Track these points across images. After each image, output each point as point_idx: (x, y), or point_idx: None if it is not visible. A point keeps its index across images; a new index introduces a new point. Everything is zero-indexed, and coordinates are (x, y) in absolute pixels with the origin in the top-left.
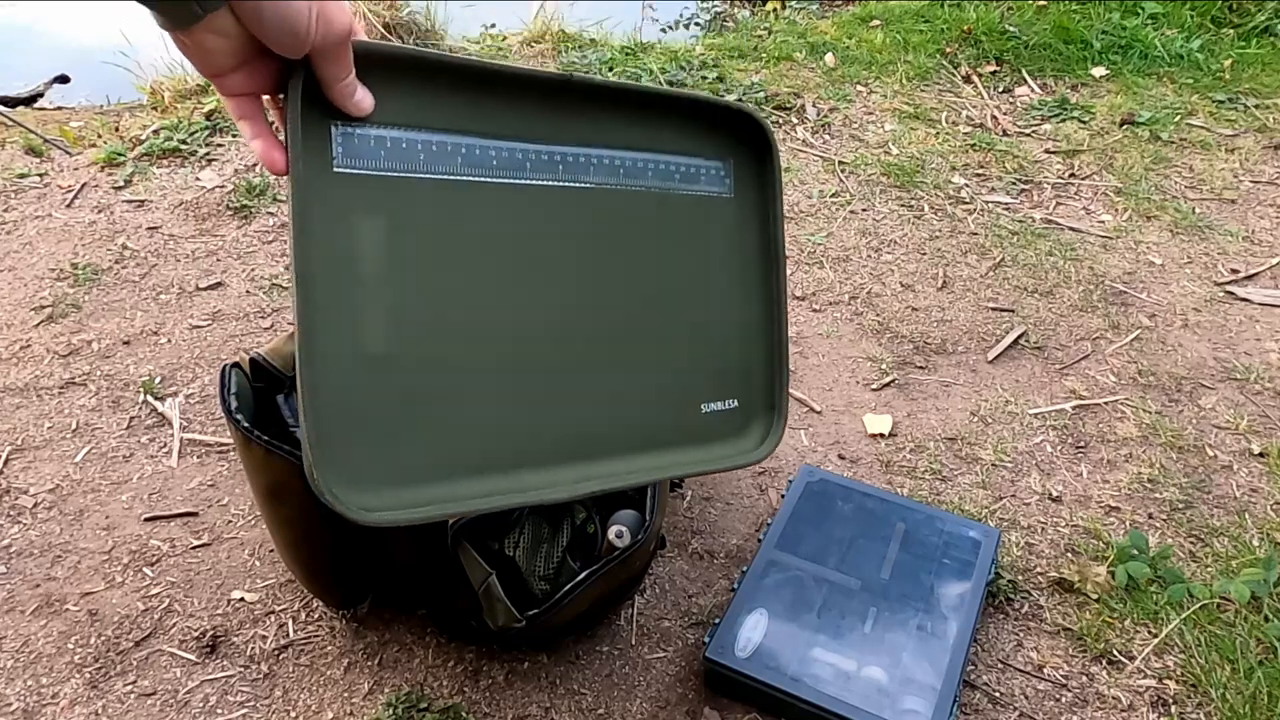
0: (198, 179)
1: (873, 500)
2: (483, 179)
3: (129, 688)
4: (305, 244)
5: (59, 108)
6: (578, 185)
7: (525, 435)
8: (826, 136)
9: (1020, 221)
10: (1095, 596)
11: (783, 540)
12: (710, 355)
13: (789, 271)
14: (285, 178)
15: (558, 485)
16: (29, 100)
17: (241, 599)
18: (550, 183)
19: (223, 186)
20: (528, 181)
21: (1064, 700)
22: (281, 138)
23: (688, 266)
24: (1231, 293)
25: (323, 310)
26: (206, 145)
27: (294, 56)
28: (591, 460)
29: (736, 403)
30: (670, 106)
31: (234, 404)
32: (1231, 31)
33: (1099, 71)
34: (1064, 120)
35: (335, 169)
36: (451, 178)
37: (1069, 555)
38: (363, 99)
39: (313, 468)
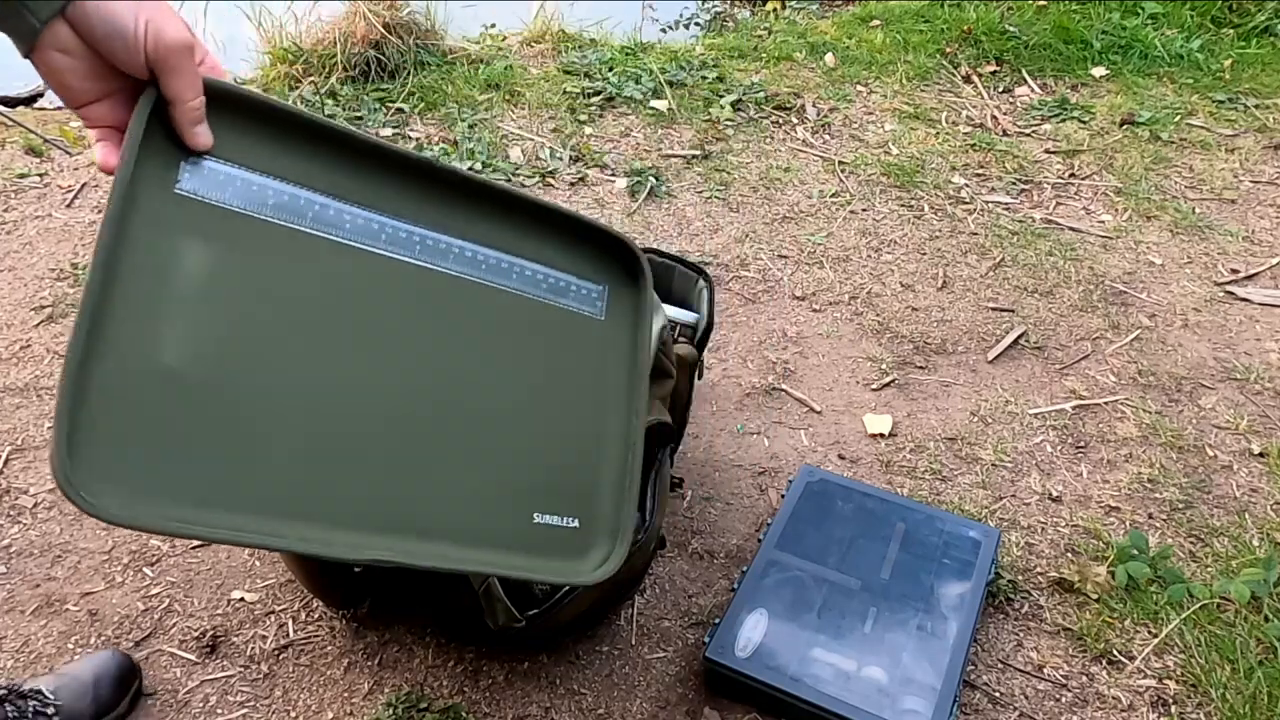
0: None
1: (873, 500)
2: (330, 237)
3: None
4: (119, 245)
5: (59, 108)
6: (433, 268)
7: (320, 491)
8: (826, 136)
9: (1020, 221)
10: (1095, 596)
11: (783, 540)
12: (552, 469)
13: (790, 272)
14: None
15: (335, 545)
16: (29, 100)
17: (241, 599)
18: (404, 258)
19: None
20: (379, 251)
21: (1064, 700)
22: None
23: (540, 377)
24: (1231, 293)
25: (123, 308)
26: None
27: (133, 70)
28: (394, 534)
29: (577, 522)
30: (543, 218)
31: None
32: (1231, 31)
33: (1099, 71)
34: (1064, 120)
35: (176, 189)
36: (298, 228)
37: (1069, 555)
38: (202, 133)
39: (62, 454)
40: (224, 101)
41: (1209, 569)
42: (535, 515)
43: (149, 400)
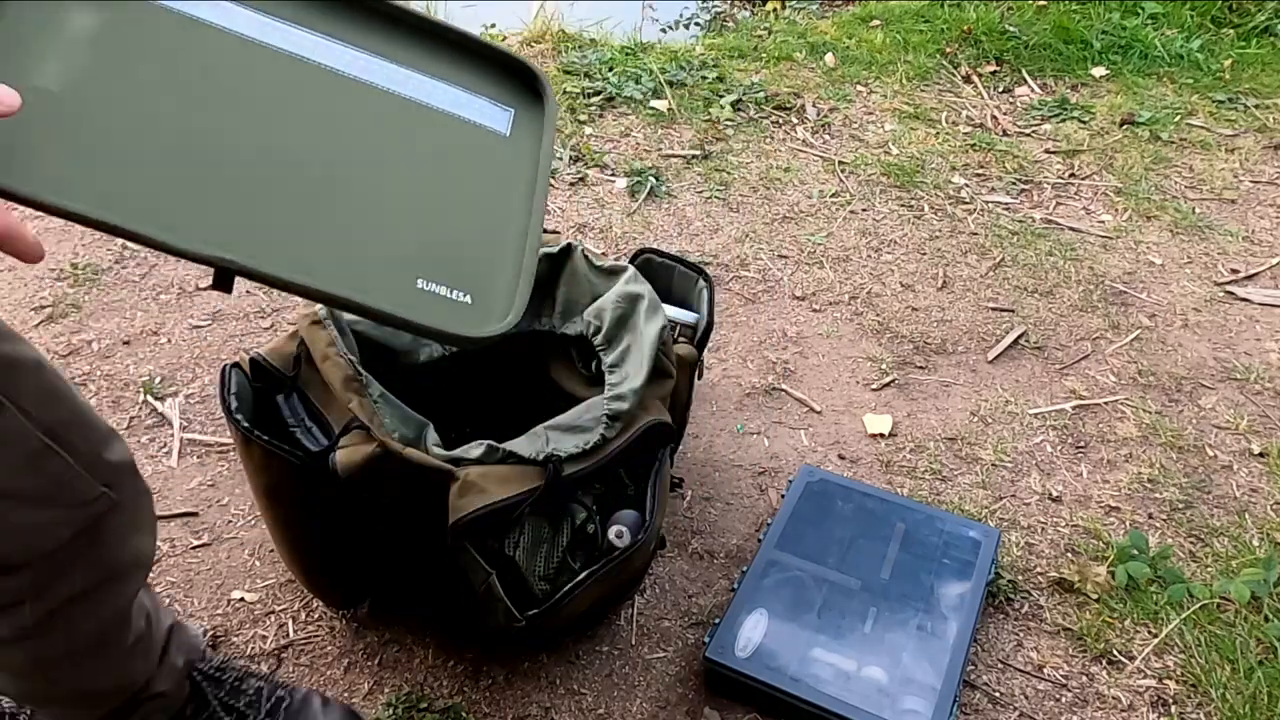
0: None
1: (873, 500)
2: (228, 28)
3: None
4: None
5: None
6: (333, 68)
7: (177, 200)
8: (826, 136)
9: (1020, 221)
10: (1095, 596)
11: (783, 540)
12: (441, 246)
13: (790, 272)
14: None
15: (177, 234)
16: None
17: (241, 599)
18: (304, 56)
19: None
20: (276, 47)
21: (1064, 700)
22: None
23: (432, 168)
24: (1231, 293)
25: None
26: None
27: None
28: (248, 247)
29: (469, 299)
30: (454, 42)
31: (234, 404)
32: (1231, 31)
33: (1099, 71)
34: (1064, 120)
35: None
36: (197, 18)
37: (1069, 555)
38: None
39: None
40: None
41: (1209, 569)
42: (419, 280)
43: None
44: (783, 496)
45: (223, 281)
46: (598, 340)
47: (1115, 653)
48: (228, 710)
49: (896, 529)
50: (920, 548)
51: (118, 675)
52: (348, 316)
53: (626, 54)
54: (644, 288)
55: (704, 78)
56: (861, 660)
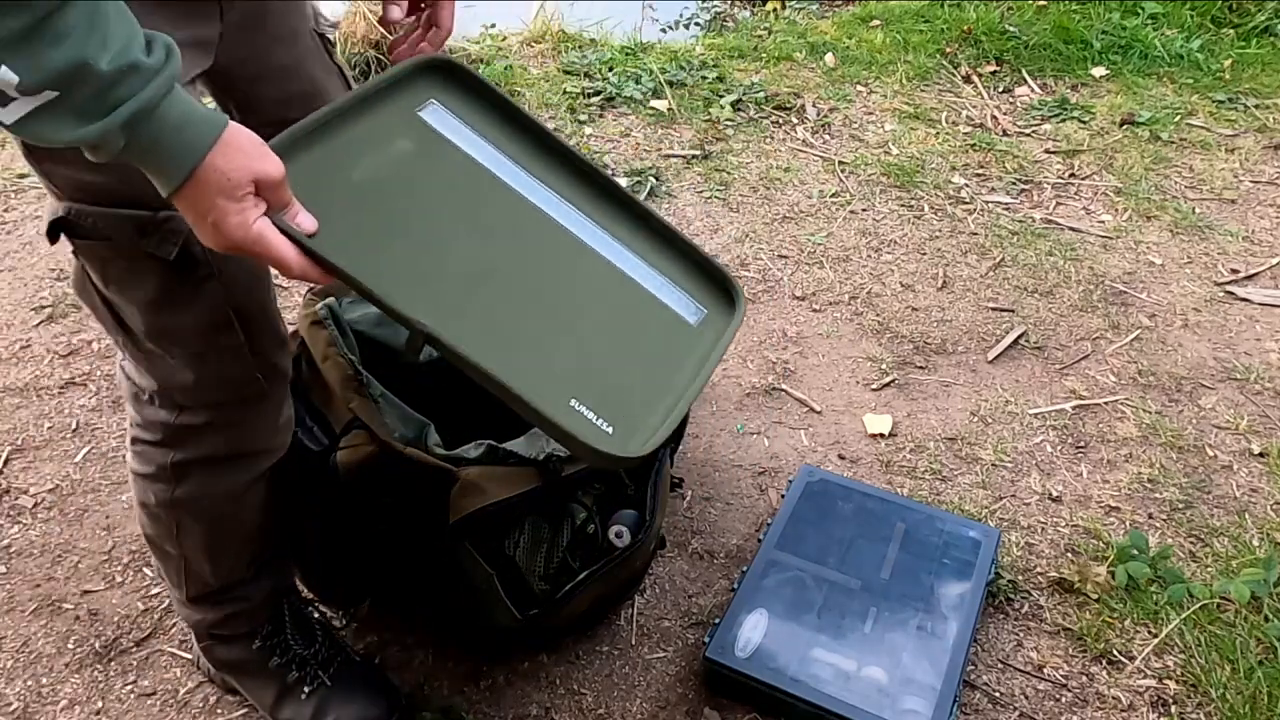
0: None
1: (873, 500)
2: (499, 176)
3: (129, 688)
4: (366, 104)
5: None
6: (572, 232)
7: (423, 281)
8: (826, 136)
9: (1020, 221)
10: (1095, 596)
11: (783, 540)
12: (610, 381)
13: (790, 272)
14: None
15: (415, 311)
16: None
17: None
18: (555, 217)
19: None
20: (534, 202)
21: (1064, 700)
22: None
23: (627, 326)
24: (1231, 293)
25: (344, 135)
26: None
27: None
28: (455, 324)
29: (612, 429)
30: (672, 240)
31: None
32: (1231, 31)
33: (1099, 71)
34: (1064, 120)
35: (417, 112)
36: (481, 164)
37: (1069, 555)
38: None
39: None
40: (457, 74)
41: (1209, 569)
42: (573, 400)
43: (332, 190)
44: (783, 496)
45: (412, 346)
46: None
47: (1115, 653)
48: (296, 643)
49: (896, 529)
50: (920, 548)
51: (228, 553)
52: (348, 316)
53: (626, 54)
54: None
55: (704, 78)
56: (861, 660)
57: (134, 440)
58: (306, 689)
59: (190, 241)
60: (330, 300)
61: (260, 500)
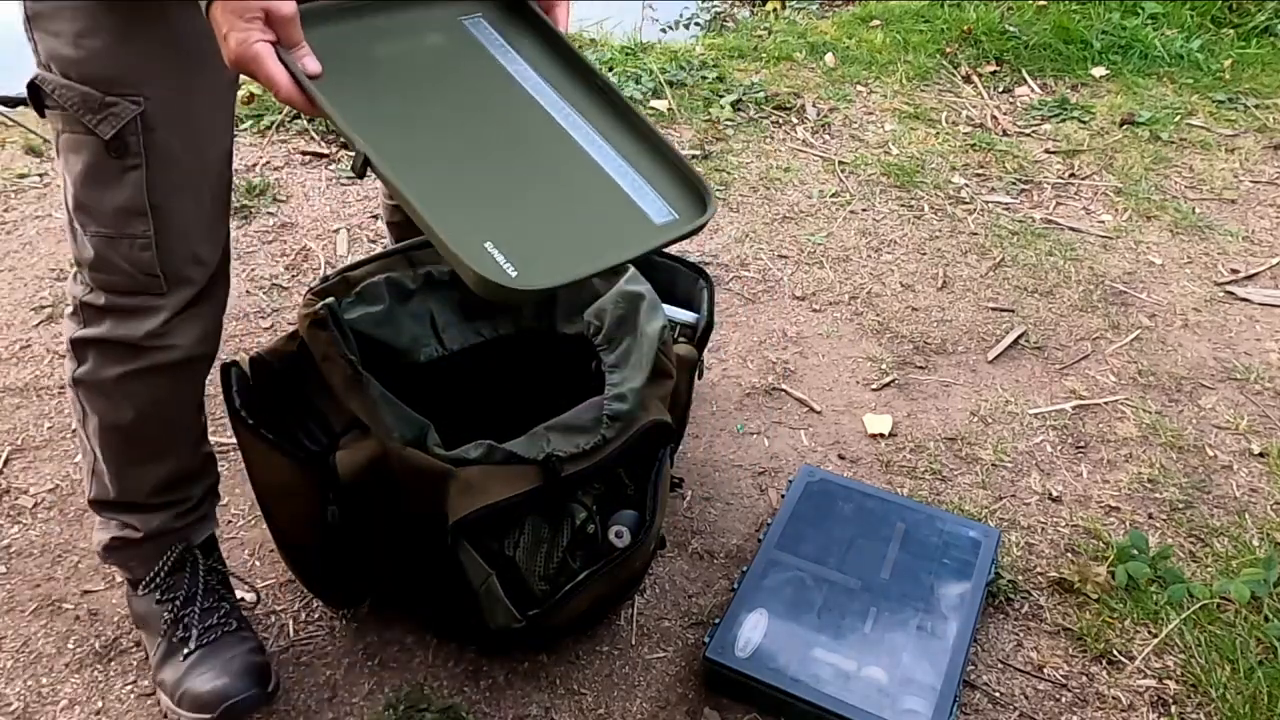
0: None
1: (873, 500)
2: (506, 66)
3: (129, 688)
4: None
5: None
6: (553, 115)
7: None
8: (826, 136)
9: (1020, 221)
10: (1095, 596)
11: (783, 540)
12: (535, 238)
13: (790, 272)
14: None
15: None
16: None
17: (242, 599)
18: (541, 103)
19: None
20: (526, 89)
21: (1064, 700)
22: None
23: (577, 203)
24: (1231, 293)
25: None
26: None
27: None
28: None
29: (515, 273)
30: (654, 143)
31: (238, 401)
32: (1231, 31)
33: (1099, 71)
34: (1064, 120)
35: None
36: (495, 56)
37: (1069, 555)
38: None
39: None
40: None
41: (1209, 569)
42: (488, 243)
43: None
44: (783, 496)
45: (360, 170)
46: (598, 340)
47: (1115, 653)
48: (184, 604)
49: (896, 529)
50: (920, 548)
51: (125, 459)
52: (348, 316)
53: (626, 54)
54: (644, 287)
55: (704, 78)
56: (861, 660)
57: (67, 314)
58: (191, 647)
59: (127, 130)
60: (330, 300)
61: (151, 405)
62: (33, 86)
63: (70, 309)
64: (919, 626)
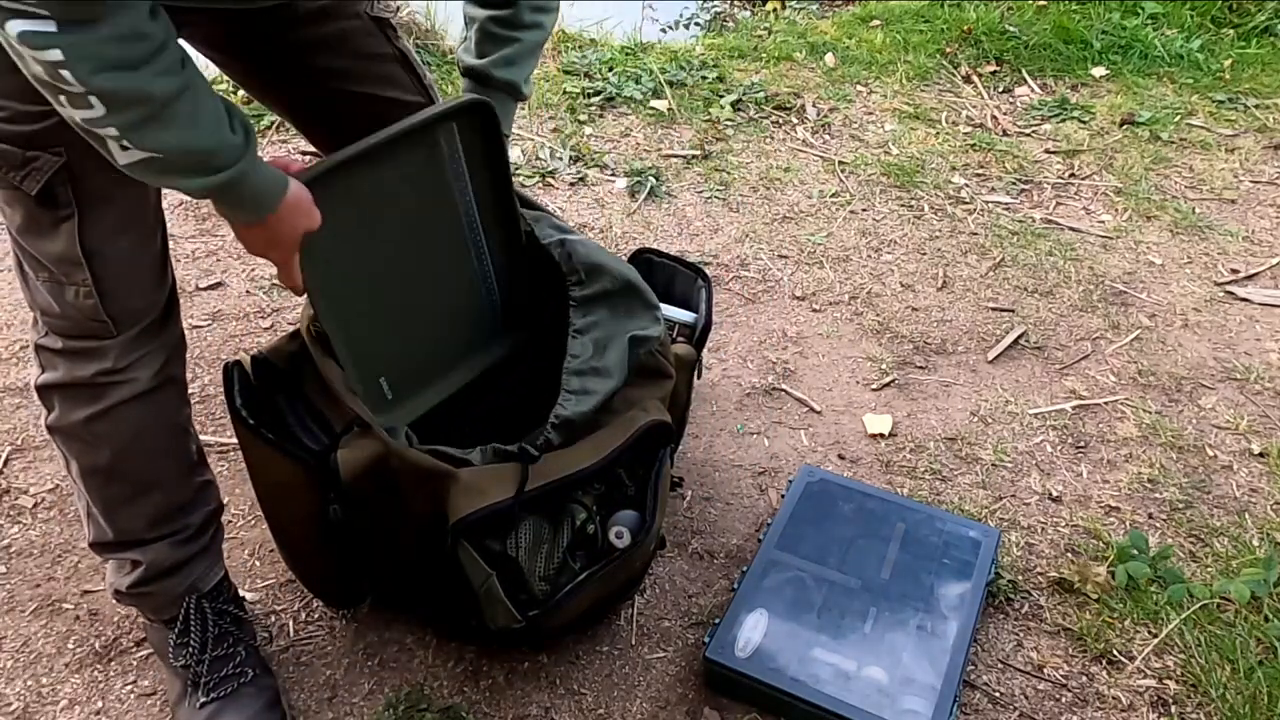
0: None
1: (873, 500)
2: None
3: (129, 688)
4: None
5: None
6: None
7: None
8: (826, 136)
9: (1020, 221)
10: (1095, 596)
11: (783, 540)
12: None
13: (790, 272)
14: None
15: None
16: None
17: (242, 599)
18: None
19: None
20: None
21: (1064, 700)
22: None
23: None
24: (1231, 293)
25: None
26: None
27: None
28: None
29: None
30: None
31: (239, 400)
32: (1231, 31)
33: (1099, 71)
34: (1064, 120)
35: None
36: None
37: (1069, 555)
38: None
39: None
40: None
41: (1209, 569)
42: (382, 378)
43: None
44: (783, 496)
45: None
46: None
47: (1115, 653)
48: (201, 649)
49: (896, 529)
50: (920, 548)
51: (114, 497)
52: None
53: (626, 54)
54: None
55: (704, 78)
56: (861, 660)
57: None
58: (203, 698)
59: (55, 182)
60: None
61: (125, 441)
62: None
63: (32, 355)
64: (919, 626)
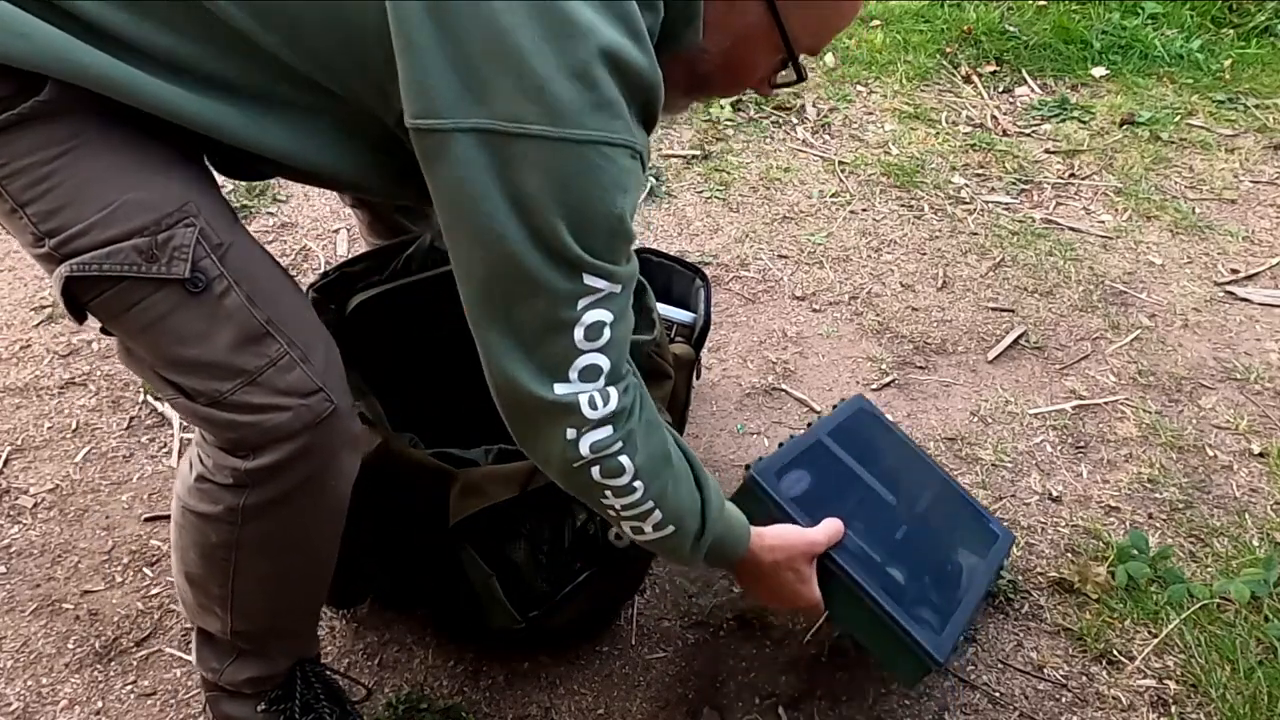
0: None
1: (915, 452)
2: None
3: (129, 688)
4: None
5: None
6: None
7: None
8: (826, 136)
9: (1020, 221)
10: (1095, 596)
11: (836, 433)
12: None
13: (790, 272)
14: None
15: None
16: None
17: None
18: None
19: (223, 186)
20: None
21: (1064, 700)
22: None
23: None
24: (1231, 293)
25: None
26: None
27: None
28: None
29: None
30: None
31: None
32: (1231, 31)
33: (1099, 71)
34: (1064, 120)
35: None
36: None
37: (1069, 555)
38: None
39: None
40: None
41: (1209, 569)
42: None
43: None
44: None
45: None
46: None
47: (1115, 653)
48: (301, 714)
49: (934, 482)
50: (952, 508)
51: (289, 591)
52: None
53: None
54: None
55: None
56: (886, 559)
57: (200, 479)
58: None
59: (198, 256)
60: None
61: (331, 530)
62: (69, 285)
63: (223, 479)
64: (944, 562)
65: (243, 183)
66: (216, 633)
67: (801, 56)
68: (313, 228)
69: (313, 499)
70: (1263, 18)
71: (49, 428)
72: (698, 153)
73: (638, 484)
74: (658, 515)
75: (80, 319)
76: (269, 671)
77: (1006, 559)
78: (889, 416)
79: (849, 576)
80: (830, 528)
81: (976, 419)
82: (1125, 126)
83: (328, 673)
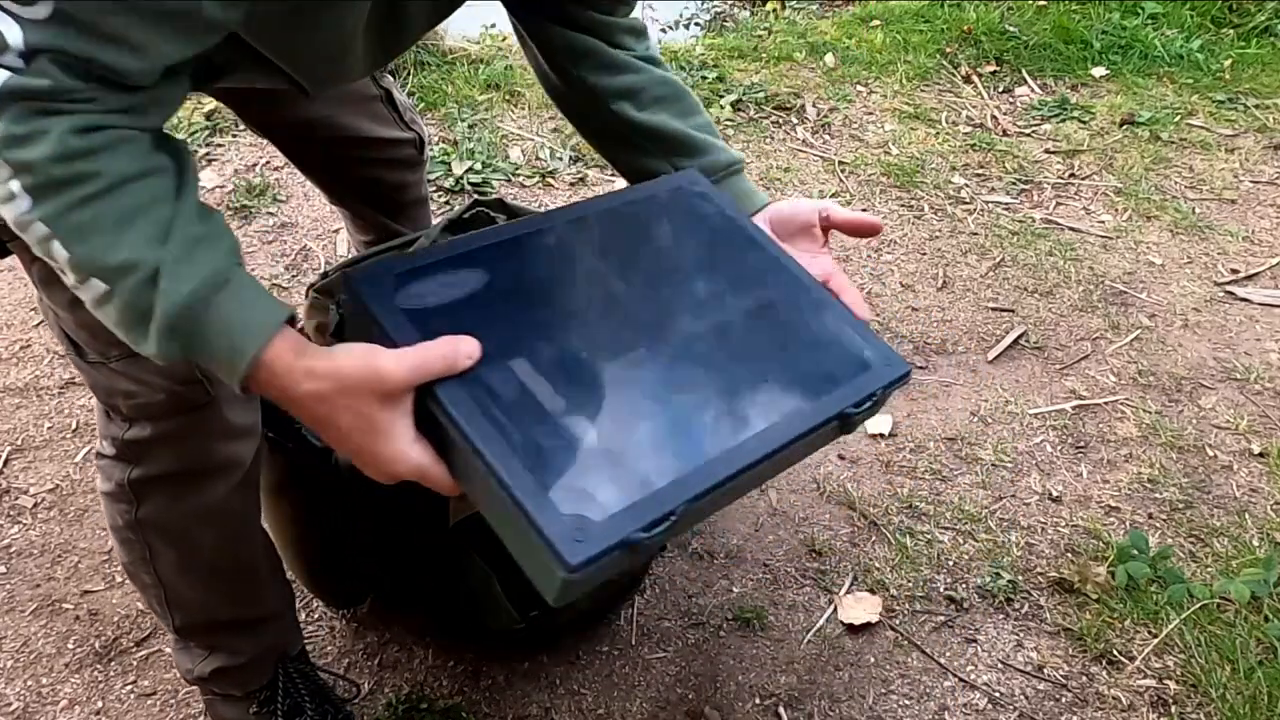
0: (197, 179)
1: (755, 246)
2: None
3: (129, 688)
4: None
5: None
6: None
7: None
8: (826, 136)
9: (1020, 221)
10: (1095, 596)
11: (597, 217)
12: None
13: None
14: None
15: None
16: None
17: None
18: None
19: (223, 186)
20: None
21: (1064, 700)
22: None
23: None
24: (1231, 293)
25: None
26: (206, 145)
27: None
28: None
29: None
30: None
31: None
32: (1231, 31)
33: (1099, 71)
34: (1064, 120)
35: None
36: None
37: (1069, 555)
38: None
39: None
40: None
41: (1209, 569)
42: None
43: None
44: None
45: None
46: None
47: (1115, 653)
48: (292, 715)
49: (760, 283)
50: (774, 325)
51: (214, 582)
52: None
53: None
54: None
55: (704, 78)
56: (565, 397)
57: (98, 455)
58: None
59: None
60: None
61: (238, 522)
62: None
63: (110, 450)
64: (704, 403)
65: (242, 182)
66: (170, 629)
67: None
68: (313, 228)
69: (196, 487)
70: (1263, 18)
71: (49, 428)
72: None
73: (14, 184)
74: (60, 250)
75: (2, 255)
76: (234, 663)
77: (881, 393)
78: (889, 417)
79: (454, 426)
80: (437, 349)
81: (976, 419)
82: (1125, 126)
83: (315, 672)
